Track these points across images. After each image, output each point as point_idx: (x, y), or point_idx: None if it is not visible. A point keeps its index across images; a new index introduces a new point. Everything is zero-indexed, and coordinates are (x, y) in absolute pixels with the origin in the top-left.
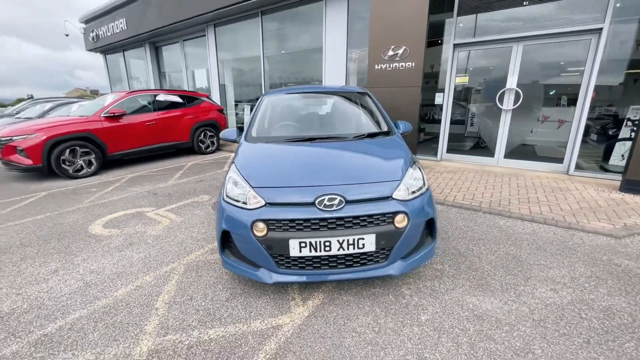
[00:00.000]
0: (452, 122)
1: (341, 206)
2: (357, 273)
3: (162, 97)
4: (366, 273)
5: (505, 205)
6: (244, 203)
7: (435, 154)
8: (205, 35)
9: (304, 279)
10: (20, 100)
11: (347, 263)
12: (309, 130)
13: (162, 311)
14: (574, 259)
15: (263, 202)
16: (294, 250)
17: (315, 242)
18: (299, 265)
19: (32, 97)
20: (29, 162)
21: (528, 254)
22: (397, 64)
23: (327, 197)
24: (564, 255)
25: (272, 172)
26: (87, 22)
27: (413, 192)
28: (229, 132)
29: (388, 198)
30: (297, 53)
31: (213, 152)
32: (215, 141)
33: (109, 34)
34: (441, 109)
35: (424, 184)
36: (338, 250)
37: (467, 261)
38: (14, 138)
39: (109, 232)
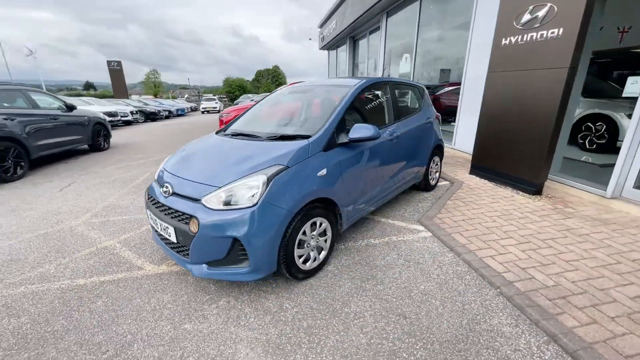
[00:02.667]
0: None
1: (167, 196)
2: (176, 257)
3: None
4: (179, 260)
5: None
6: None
7: (601, 185)
8: (379, 27)
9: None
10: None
11: (172, 245)
12: (251, 125)
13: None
14: None
15: (154, 179)
16: (151, 220)
17: (154, 219)
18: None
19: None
20: None
21: None
22: (535, 34)
23: (165, 185)
24: None
25: (176, 158)
26: (320, 26)
27: (227, 204)
28: None
29: (197, 201)
30: (443, 35)
31: None
32: None
33: (328, 34)
34: (631, 110)
35: (253, 202)
36: (160, 230)
37: None
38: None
39: None
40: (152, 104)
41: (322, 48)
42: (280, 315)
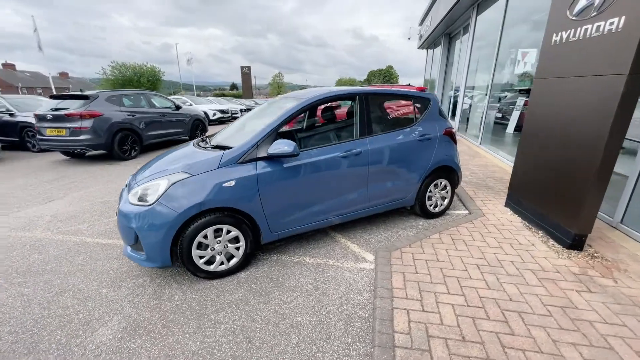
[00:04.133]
0: None
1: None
2: None
3: None
4: None
5: None
6: None
7: None
8: (469, 23)
9: None
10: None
11: None
12: (228, 133)
13: None
14: None
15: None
16: None
17: None
18: None
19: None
20: None
21: None
22: (590, 26)
23: (130, 177)
24: None
25: (148, 162)
26: (420, 23)
27: (140, 200)
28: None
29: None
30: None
31: None
32: None
33: (424, 31)
34: None
35: (152, 201)
36: None
37: None
38: None
39: None
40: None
41: (421, 47)
42: (165, 303)
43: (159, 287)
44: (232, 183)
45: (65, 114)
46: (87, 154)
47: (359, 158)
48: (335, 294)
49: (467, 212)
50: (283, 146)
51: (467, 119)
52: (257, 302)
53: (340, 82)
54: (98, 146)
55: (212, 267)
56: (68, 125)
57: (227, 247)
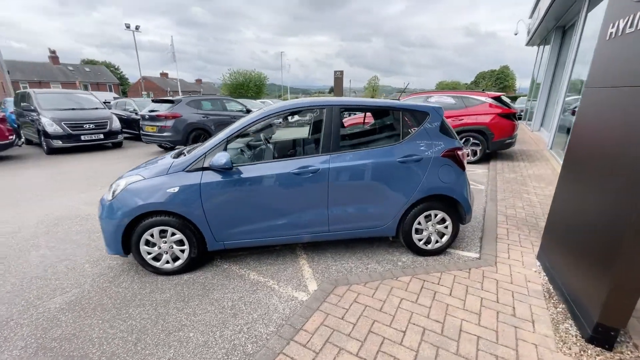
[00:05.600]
0: None
1: None
2: None
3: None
4: None
5: None
6: None
7: None
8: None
9: None
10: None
11: None
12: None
13: None
14: None
15: None
16: None
17: None
18: None
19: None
20: None
21: None
22: None
23: None
24: None
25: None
26: (530, 16)
27: (112, 194)
28: None
29: None
30: None
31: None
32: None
33: (532, 24)
34: None
35: (111, 197)
36: None
37: None
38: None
39: None
40: None
41: (528, 44)
42: (112, 288)
43: (121, 272)
44: (176, 189)
45: (156, 115)
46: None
47: (316, 177)
48: (245, 318)
49: (476, 255)
50: (219, 158)
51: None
52: (173, 306)
53: (441, 85)
54: (177, 142)
55: (158, 264)
56: (157, 123)
57: (173, 247)
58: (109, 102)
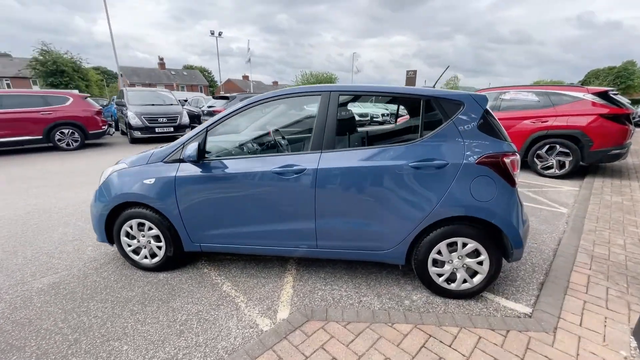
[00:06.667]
0: None
1: None
2: None
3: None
4: None
5: None
6: None
7: None
8: None
9: None
10: None
11: None
12: None
13: None
14: None
15: None
16: None
17: None
18: None
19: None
20: None
21: None
22: None
23: None
24: None
25: None
26: None
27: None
28: None
29: None
30: None
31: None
32: None
33: None
34: None
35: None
36: None
37: None
38: None
39: None
40: None
41: None
42: (89, 277)
43: (111, 260)
44: (152, 180)
45: (213, 110)
46: None
47: (301, 178)
48: (188, 340)
49: (527, 310)
50: (189, 149)
51: None
52: (130, 309)
53: (539, 84)
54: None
55: (137, 258)
56: None
57: (151, 243)
58: (187, 100)
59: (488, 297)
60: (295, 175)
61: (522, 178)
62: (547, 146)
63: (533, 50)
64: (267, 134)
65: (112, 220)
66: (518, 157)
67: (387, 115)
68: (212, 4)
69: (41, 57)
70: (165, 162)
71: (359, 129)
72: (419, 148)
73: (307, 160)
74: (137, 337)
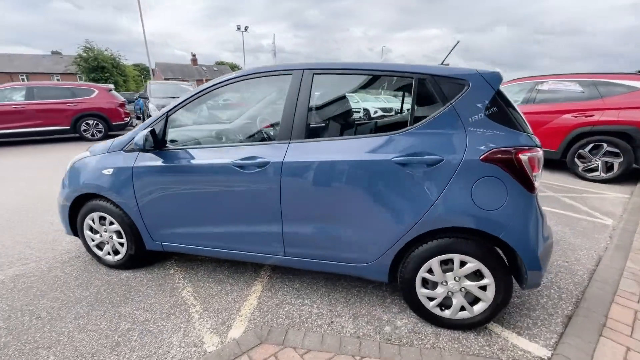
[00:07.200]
0: None
1: None
2: None
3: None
4: None
5: None
6: None
7: None
8: None
9: None
10: None
11: None
12: None
13: None
14: None
15: None
16: None
17: None
18: None
19: None
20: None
21: None
22: None
23: None
24: None
25: None
26: None
27: None
28: None
29: None
30: None
31: None
32: None
33: None
34: None
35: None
36: None
37: None
38: None
39: None
40: None
41: None
42: (52, 271)
43: (75, 256)
44: (110, 171)
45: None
46: None
47: (265, 173)
48: (121, 355)
49: (544, 354)
50: (139, 138)
51: None
52: (76, 312)
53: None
54: None
55: (100, 253)
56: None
57: (113, 239)
58: None
59: (494, 329)
60: (257, 170)
61: (559, 181)
62: (591, 145)
63: (583, 42)
64: (228, 122)
65: (77, 211)
66: (540, 153)
67: (388, 110)
68: (245, 1)
69: (84, 54)
70: (125, 151)
71: (341, 115)
72: (406, 139)
73: (273, 152)
74: (68, 346)
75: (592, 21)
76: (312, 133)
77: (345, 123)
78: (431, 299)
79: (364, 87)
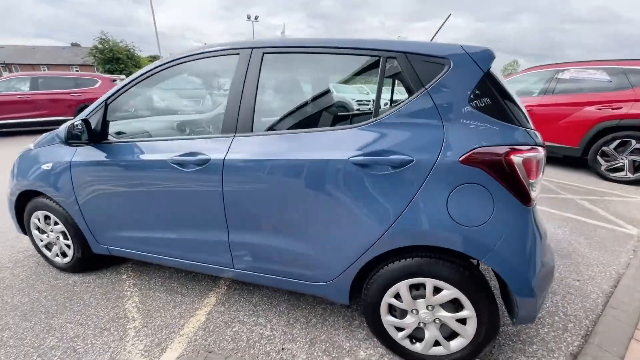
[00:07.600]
0: None
1: None
2: None
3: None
4: None
5: None
6: None
7: None
8: None
9: None
10: None
11: None
12: None
13: None
14: None
15: None
16: None
17: None
18: None
19: None
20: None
21: None
22: None
23: None
24: None
25: None
26: None
27: None
28: None
29: None
30: None
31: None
32: None
33: None
34: None
35: None
36: None
37: None
38: None
39: None
40: None
41: None
42: (4, 271)
43: (30, 255)
44: (49, 166)
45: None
46: None
47: (206, 172)
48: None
49: None
50: (61, 128)
51: None
52: (4, 322)
53: None
54: None
55: (49, 255)
56: None
57: (60, 240)
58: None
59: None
60: (197, 168)
61: (578, 181)
62: (617, 141)
63: (617, 30)
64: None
65: (25, 207)
66: (541, 154)
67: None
68: None
69: (100, 46)
70: (69, 145)
71: (297, 106)
72: (368, 134)
73: (215, 147)
74: None
75: (629, 8)
76: (261, 125)
77: (301, 114)
78: (400, 329)
79: (327, 70)
